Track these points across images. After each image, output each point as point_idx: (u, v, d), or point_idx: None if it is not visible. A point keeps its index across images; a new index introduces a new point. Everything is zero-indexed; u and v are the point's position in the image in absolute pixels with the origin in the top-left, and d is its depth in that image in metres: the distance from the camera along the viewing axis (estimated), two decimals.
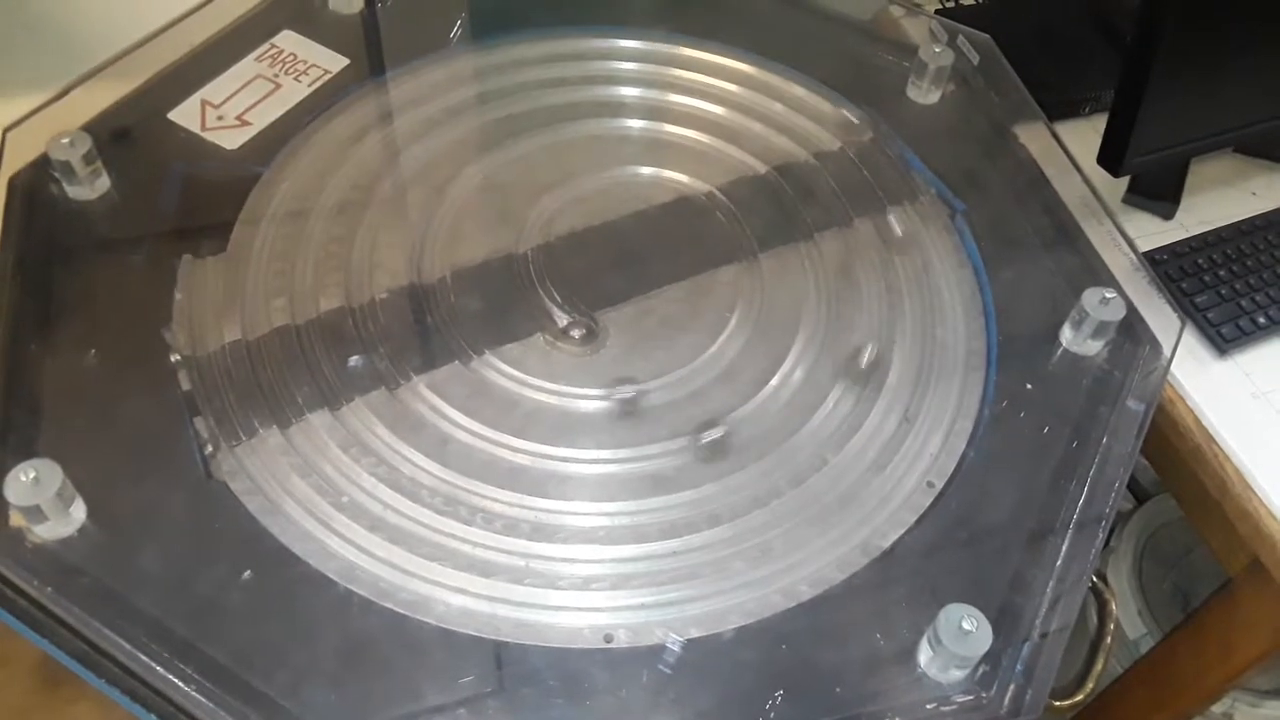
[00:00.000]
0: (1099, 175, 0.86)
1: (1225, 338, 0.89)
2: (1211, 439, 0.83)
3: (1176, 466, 0.84)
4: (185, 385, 0.62)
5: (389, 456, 0.60)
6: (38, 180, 0.72)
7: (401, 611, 0.54)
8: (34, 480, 0.54)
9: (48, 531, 0.55)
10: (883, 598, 0.56)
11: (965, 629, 0.51)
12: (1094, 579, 0.59)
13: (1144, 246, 0.89)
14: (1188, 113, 0.91)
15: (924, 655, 0.53)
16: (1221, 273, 0.93)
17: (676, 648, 0.54)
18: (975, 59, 0.87)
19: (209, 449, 0.60)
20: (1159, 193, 0.99)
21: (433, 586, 0.55)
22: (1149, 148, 0.90)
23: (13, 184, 0.71)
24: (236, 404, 0.61)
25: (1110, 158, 0.90)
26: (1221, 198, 1.01)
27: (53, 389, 0.62)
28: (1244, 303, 0.91)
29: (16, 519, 0.55)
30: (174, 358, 0.63)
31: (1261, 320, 0.91)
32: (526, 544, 0.57)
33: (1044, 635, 0.54)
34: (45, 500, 0.54)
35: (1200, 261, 0.94)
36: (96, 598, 0.53)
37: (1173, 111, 0.89)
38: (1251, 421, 0.83)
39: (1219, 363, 0.88)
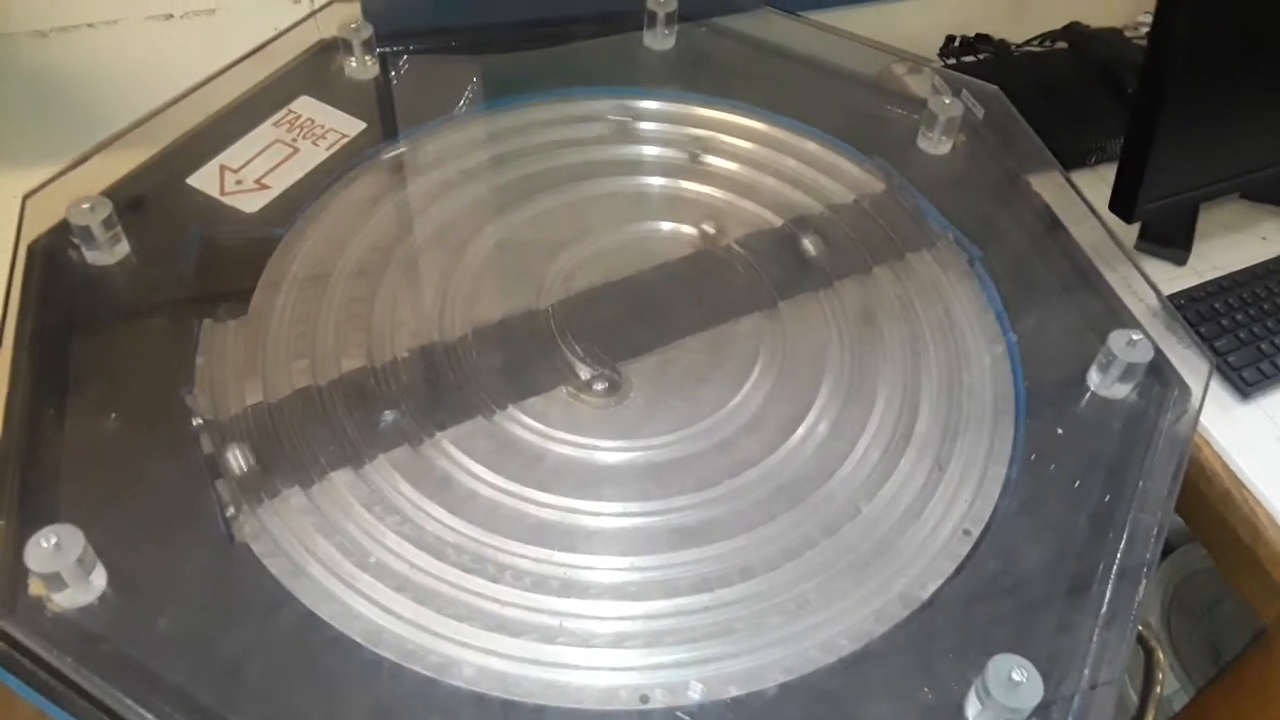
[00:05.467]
0: (1110, 224, 0.86)
1: (1248, 381, 0.88)
2: (1241, 484, 0.82)
3: (1206, 513, 0.83)
4: (207, 448, 0.61)
5: (413, 514, 0.59)
6: (57, 246, 0.72)
7: (430, 675, 0.53)
8: (55, 546, 0.53)
9: (67, 600, 0.54)
10: (925, 650, 0.54)
11: (1015, 680, 0.50)
12: (1140, 627, 0.57)
13: (1144, 296, 0.88)
14: (1197, 158, 0.92)
15: (972, 709, 0.51)
16: (1239, 316, 0.93)
17: (697, 695, 0.52)
18: (980, 112, 0.88)
19: (230, 511, 0.58)
20: (1170, 239, 0.99)
21: (461, 648, 0.53)
22: (1160, 193, 0.91)
23: (32, 250, 0.71)
24: (258, 464, 0.60)
25: (1122, 204, 0.91)
26: (1232, 243, 1.02)
27: (73, 454, 0.61)
28: (1264, 346, 0.91)
29: (36, 587, 0.54)
30: (196, 421, 0.62)
31: None
32: (556, 601, 0.56)
33: (1094, 686, 0.53)
34: (66, 567, 0.53)
35: (1217, 306, 0.94)
36: (119, 667, 0.51)
37: (1182, 157, 0.90)
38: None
39: (1243, 406, 0.87)
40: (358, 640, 0.54)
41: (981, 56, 1.21)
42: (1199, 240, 1.00)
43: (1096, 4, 1.25)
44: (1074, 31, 1.24)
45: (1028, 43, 1.24)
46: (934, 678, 0.53)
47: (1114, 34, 1.24)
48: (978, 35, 1.22)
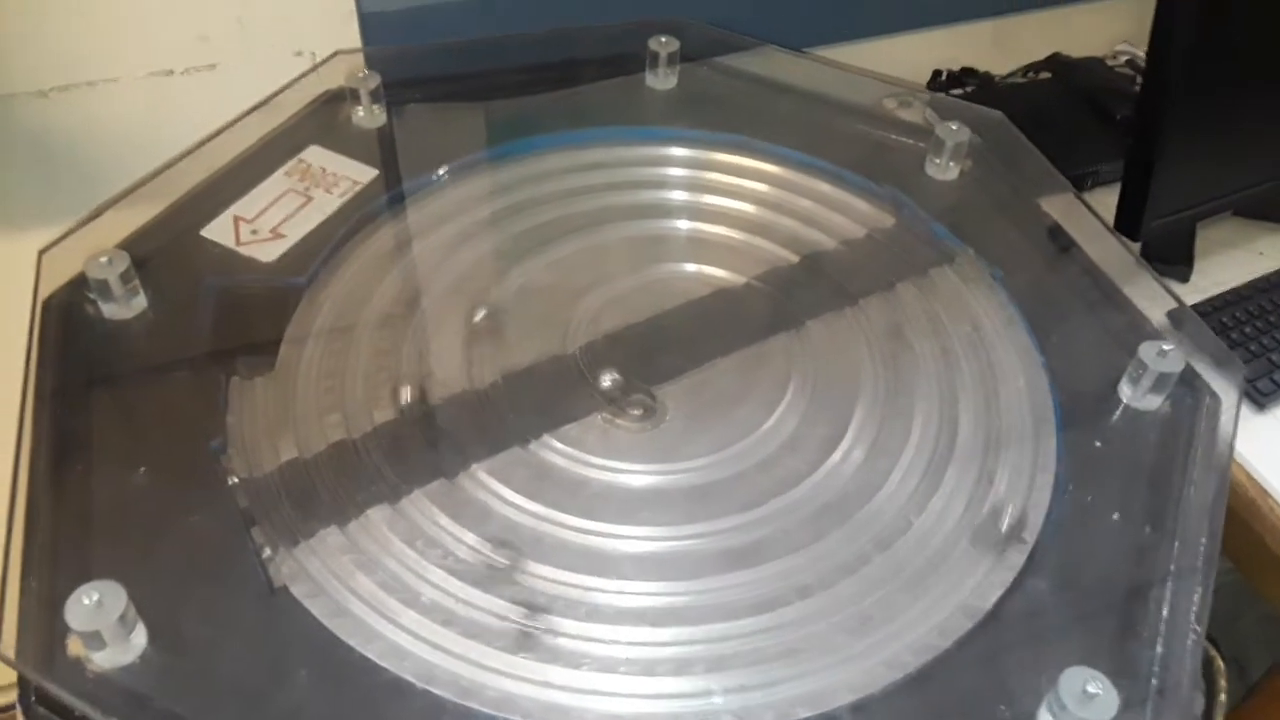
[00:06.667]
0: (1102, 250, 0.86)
1: (1262, 392, 0.89)
2: (1266, 493, 0.82)
3: (1232, 524, 0.82)
4: (243, 503, 0.60)
5: (455, 547, 0.58)
6: (72, 301, 0.71)
7: (489, 711, 0.51)
8: (97, 603, 0.51)
9: (107, 660, 0.51)
10: (993, 663, 0.53)
11: (1091, 692, 0.49)
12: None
13: (1165, 309, 0.89)
14: (1200, 176, 0.94)
15: None
16: (1247, 329, 0.94)
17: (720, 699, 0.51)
18: (977, 140, 0.89)
19: (266, 552, 0.57)
20: (1172, 257, 1.01)
21: (520, 682, 0.52)
22: (1165, 211, 0.92)
23: (47, 305, 0.70)
24: (294, 510, 0.59)
25: (1127, 223, 0.93)
26: (1230, 260, 1.04)
27: (102, 511, 0.59)
28: (1275, 357, 0.92)
29: (75, 647, 0.52)
30: (232, 480, 0.61)
31: None
32: (613, 629, 0.54)
33: (1162, 693, 0.52)
34: (108, 625, 0.50)
35: (1224, 320, 0.95)
36: None
37: (1186, 175, 0.92)
38: None
39: (1260, 417, 0.88)
40: (411, 680, 0.52)
41: (968, 89, 1.23)
42: (1197, 258, 1.02)
43: (1076, 35, 1.28)
44: (1056, 62, 1.27)
45: (1012, 74, 1.27)
46: (1004, 691, 0.52)
47: (1096, 62, 1.28)
48: (963, 69, 1.25)
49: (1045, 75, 1.27)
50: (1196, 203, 0.96)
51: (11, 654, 0.51)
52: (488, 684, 0.52)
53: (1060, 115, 1.20)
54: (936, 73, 1.24)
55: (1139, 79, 1.24)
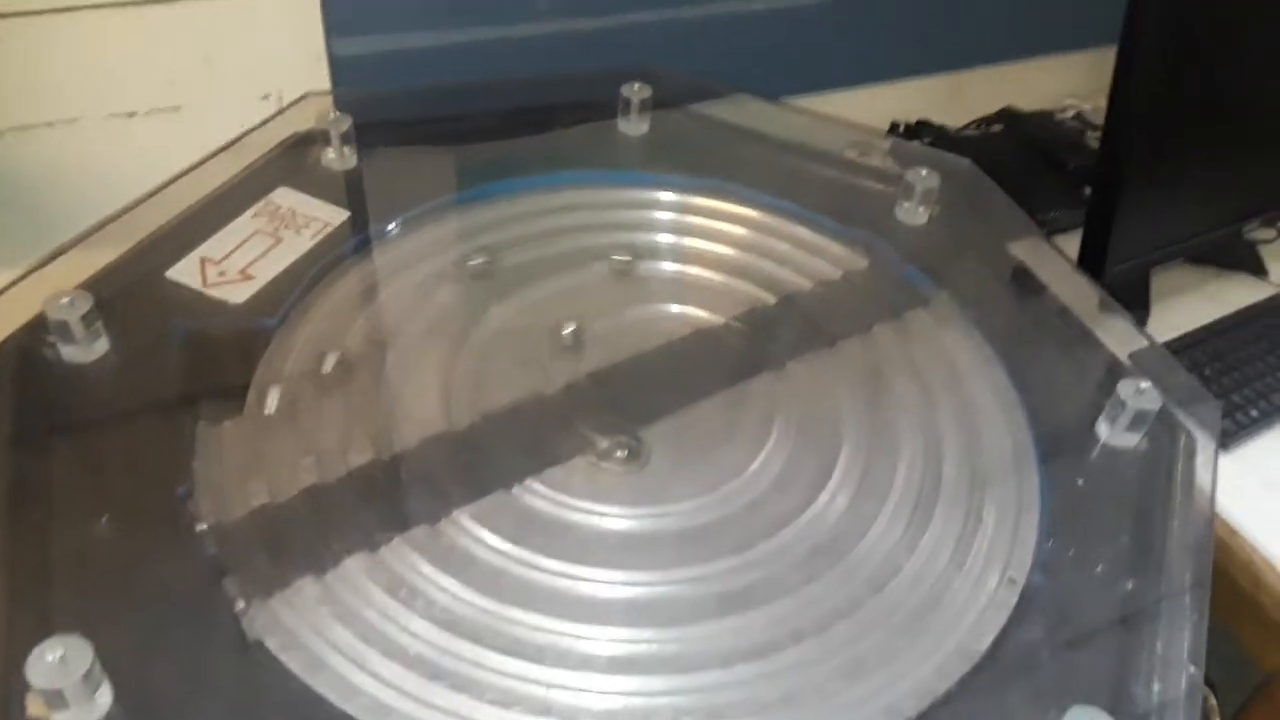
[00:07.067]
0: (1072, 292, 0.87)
1: (1224, 432, 0.91)
2: (1234, 532, 0.83)
3: None
4: (212, 551, 0.57)
5: (438, 596, 0.56)
6: (30, 345, 0.68)
7: None
8: (60, 660, 0.48)
9: None
10: (994, 704, 0.53)
11: None
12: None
13: (1135, 348, 0.91)
14: (1158, 222, 0.96)
15: None
16: (1206, 372, 0.96)
17: None
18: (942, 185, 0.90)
19: (239, 605, 0.54)
20: (1129, 303, 1.03)
21: None
22: (1125, 256, 0.95)
23: (5, 348, 0.67)
24: (268, 560, 0.57)
25: (1090, 268, 0.94)
26: (1183, 305, 1.06)
27: (64, 562, 0.56)
28: (1235, 398, 0.94)
29: (35, 707, 0.49)
30: (200, 528, 0.58)
31: (1254, 413, 0.93)
32: (606, 679, 0.53)
33: None
34: (71, 683, 0.47)
35: (1184, 363, 0.96)
36: None
37: (1145, 222, 0.94)
38: (1271, 511, 0.84)
39: (1224, 458, 0.89)
40: None
41: (925, 141, 1.26)
42: (1152, 304, 1.04)
43: (1027, 90, 1.32)
44: (1008, 115, 1.31)
45: (965, 127, 1.30)
46: None
47: (1045, 116, 1.31)
48: (919, 121, 1.28)
49: (997, 128, 1.30)
50: (1155, 248, 0.98)
51: None
52: None
53: (1013, 166, 1.22)
54: (894, 125, 1.27)
55: (1087, 132, 1.28)
